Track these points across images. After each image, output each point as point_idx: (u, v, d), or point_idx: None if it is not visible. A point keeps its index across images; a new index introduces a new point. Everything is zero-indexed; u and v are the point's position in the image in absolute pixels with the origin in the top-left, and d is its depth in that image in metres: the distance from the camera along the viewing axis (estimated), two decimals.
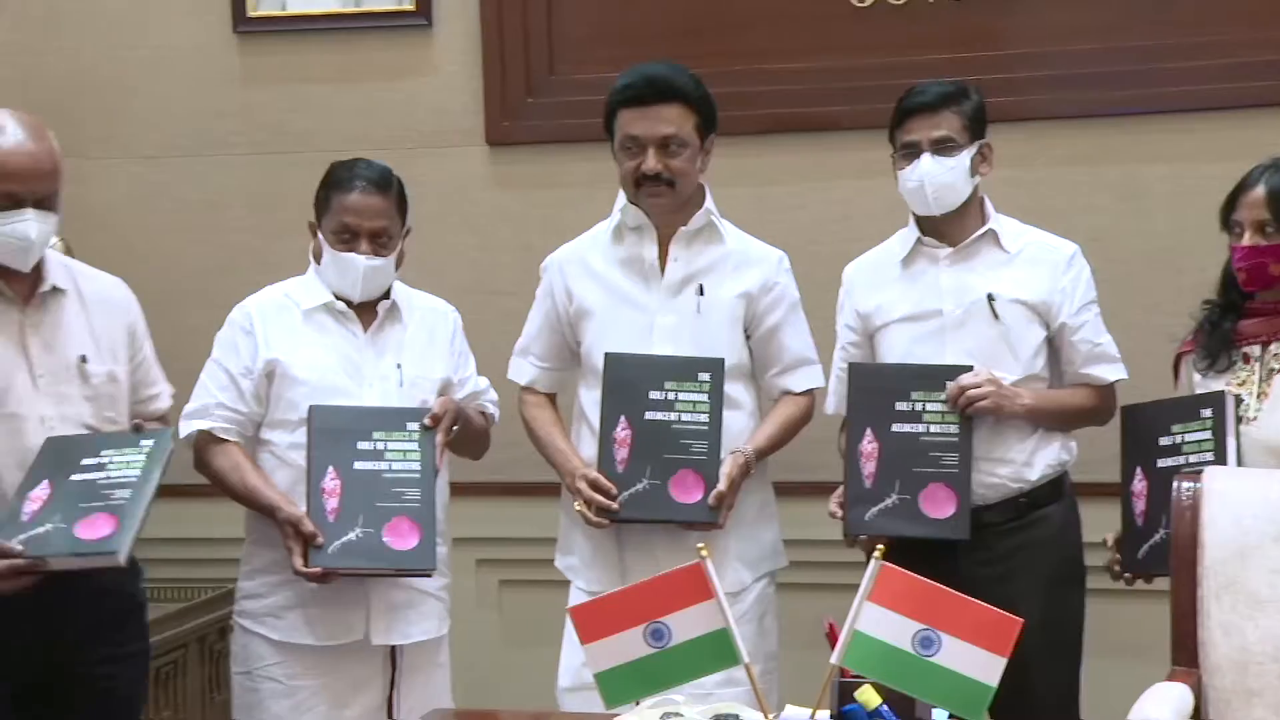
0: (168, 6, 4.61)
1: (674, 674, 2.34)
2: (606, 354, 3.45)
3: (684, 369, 3.41)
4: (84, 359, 3.20)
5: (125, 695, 3.32)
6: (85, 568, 3.04)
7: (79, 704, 3.19)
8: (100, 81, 4.59)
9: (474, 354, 3.62)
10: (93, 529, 3.03)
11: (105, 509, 3.06)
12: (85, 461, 3.10)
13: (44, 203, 3.09)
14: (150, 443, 3.16)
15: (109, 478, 3.09)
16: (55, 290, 3.20)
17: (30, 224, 3.06)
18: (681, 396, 3.41)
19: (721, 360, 3.43)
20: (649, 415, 3.40)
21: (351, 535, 3.27)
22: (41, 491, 3.05)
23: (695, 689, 2.60)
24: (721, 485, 3.37)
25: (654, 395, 3.40)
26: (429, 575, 3.38)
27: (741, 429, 3.50)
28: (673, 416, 3.40)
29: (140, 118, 4.61)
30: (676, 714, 2.65)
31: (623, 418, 3.41)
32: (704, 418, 3.39)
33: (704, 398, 3.40)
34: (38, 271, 3.17)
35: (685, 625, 2.32)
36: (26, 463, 3.09)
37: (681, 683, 2.36)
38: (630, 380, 3.42)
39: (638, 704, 2.63)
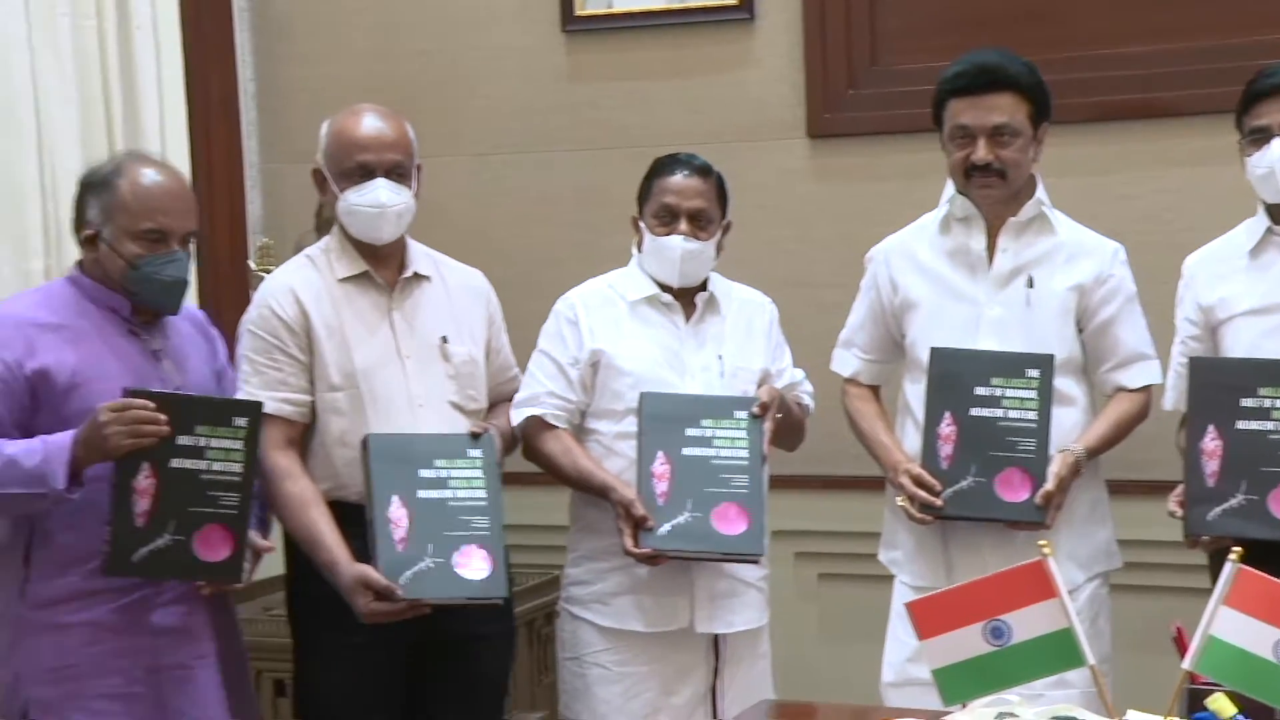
0: (500, 9, 4.70)
1: (1014, 673, 2.33)
2: (932, 348, 3.38)
3: (1012, 365, 3.32)
4: (445, 340, 3.36)
5: (497, 668, 3.49)
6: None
7: (462, 668, 3.36)
8: (438, 83, 4.71)
9: (792, 346, 3.61)
10: (469, 567, 3.19)
11: (475, 540, 3.21)
12: (423, 474, 3.21)
13: (394, 173, 3.27)
14: (479, 454, 3.26)
15: (458, 499, 3.22)
16: (418, 277, 3.40)
17: (380, 190, 3.25)
18: (1009, 393, 3.31)
19: (1051, 357, 3.33)
20: (975, 411, 3.32)
21: (680, 519, 3.28)
22: (398, 513, 3.16)
23: (1026, 690, 2.55)
24: (1049, 485, 3.26)
25: (980, 391, 3.32)
26: (756, 562, 3.39)
27: (1073, 426, 3.39)
28: (999, 413, 3.31)
29: (474, 116, 4.71)
30: (1011, 714, 2.63)
31: (948, 413, 3.34)
32: (1032, 415, 3.30)
33: (1032, 394, 3.30)
34: (402, 259, 3.37)
35: (1026, 624, 2.31)
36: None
37: (1021, 682, 2.36)
38: (956, 375, 3.34)
39: (964, 706, 2.60)
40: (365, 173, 3.27)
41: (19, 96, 4.02)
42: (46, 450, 2.99)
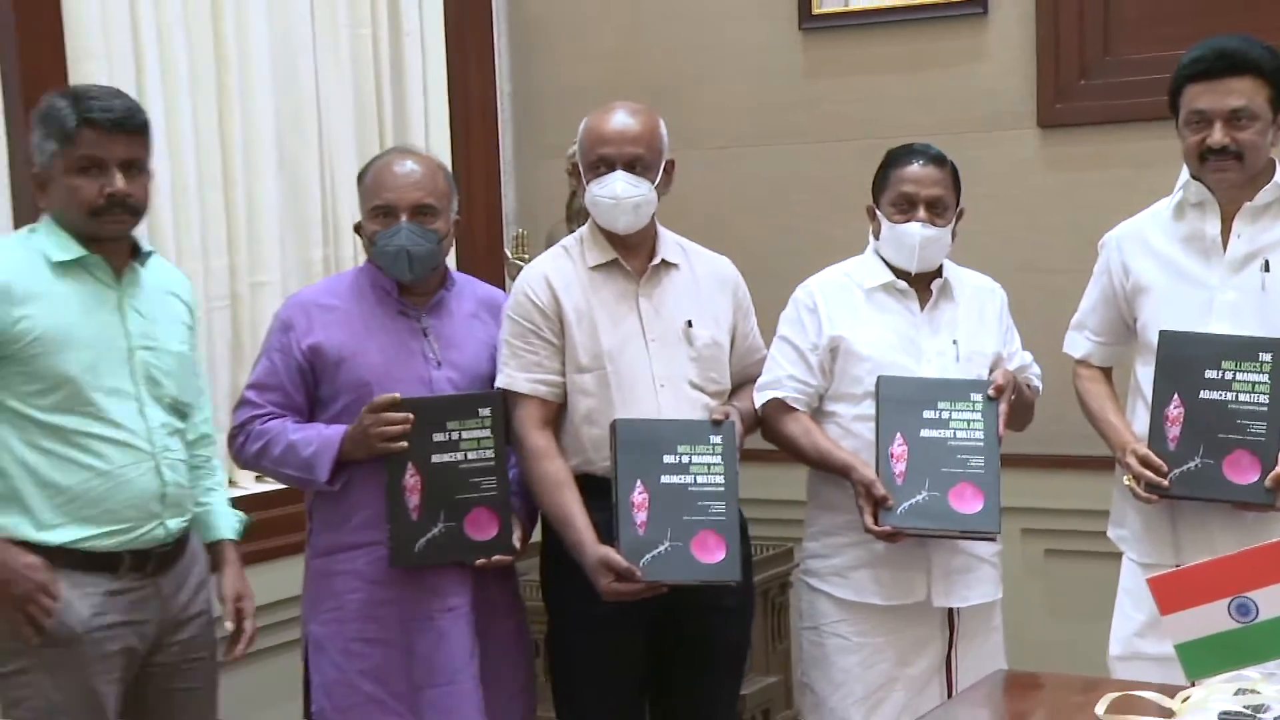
0: (740, 8, 4.73)
1: (1259, 650, 2.26)
2: (1161, 331, 3.31)
3: (1243, 349, 3.24)
4: (689, 324, 3.39)
5: (736, 638, 3.51)
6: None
7: (702, 638, 3.39)
8: (681, 80, 4.75)
9: (1022, 330, 3.58)
10: (707, 551, 3.21)
11: (714, 526, 3.23)
12: (667, 460, 3.24)
13: (636, 166, 3.31)
14: (719, 440, 3.27)
15: (697, 483, 3.25)
16: (666, 264, 3.42)
17: (617, 183, 3.29)
18: (1239, 377, 3.24)
19: None
20: (1204, 394, 3.25)
21: (919, 498, 3.27)
22: (640, 496, 3.21)
23: (1263, 669, 2.50)
24: (1279, 468, 3.17)
25: (1210, 374, 3.25)
26: (993, 539, 3.37)
27: None
28: (1229, 396, 3.24)
29: (713, 111, 4.74)
30: (1252, 690, 2.56)
31: (1176, 395, 3.28)
32: (1264, 399, 3.21)
33: (1264, 379, 3.22)
34: (652, 248, 3.41)
35: (1274, 601, 2.22)
36: (642, 413, 3.29)
37: (1268, 660, 2.28)
38: (1185, 358, 3.27)
39: (1193, 685, 2.56)
40: (606, 165, 3.30)
41: (304, 99, 4.19)
42: (319, 444, 3.22)
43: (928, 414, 3.31)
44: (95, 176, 2.85)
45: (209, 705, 3.14)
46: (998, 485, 3.29)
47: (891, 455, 3.29)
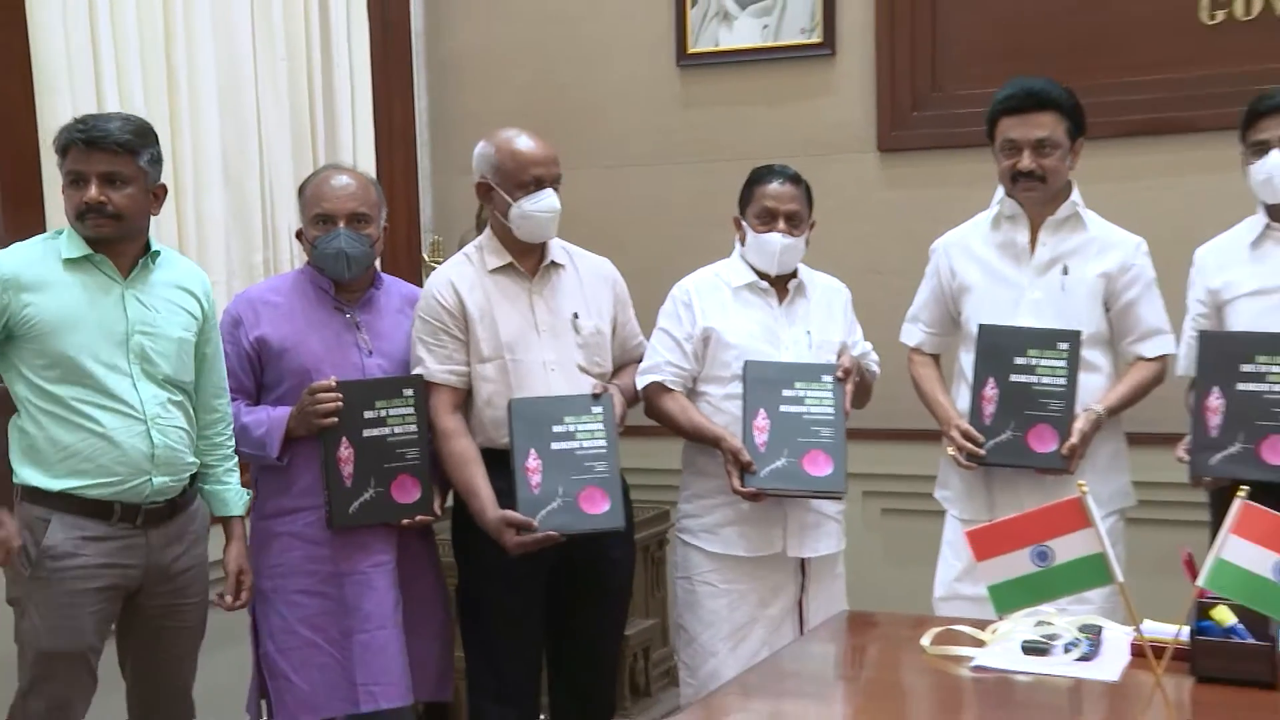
0: (626, 48, 4.71)
1: (1054, 589, 2.30)
2: (980, 325, 3.37)
3: (1046, 339, 3.31)
4: (575, 316, 3.37)
5: (620, 586, 3.51)
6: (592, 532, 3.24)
7: (592, 585, 3.40)
8: (577, 108, 4.74)
9: (864, 324, 3.60)
10: (593, 504, 3.22)
11: (596, 483, 3.24)
12: (556, 430, 3.24)
13: (557, 184, 3.33)
14: (599, 410, 3.27)
15: (583, 448, 3.24)
16: (554, 265, 3.40)
17: (551, 198, 3.30)
18: (1042, 363, 3.30)
19: (1078, 332, 3.30)
20: (1014, 378, 3.31)
21: (778, 463, 3.29)
22: (533, 462, 3.20)
23: (1057, 604, 2.56)
24: (1073, 439, 3.25)
25: (1018, 361, 3.31)
26: (839, 498, 3.39)
27: (1097, 388, 3.35)
28: (1034, 379, 3.30)
29: (605, 135, 4.73)
30: (1047, 622, 2.63)
31: (991, 379, 3.33)
32: (1061, 381, 3.28)
33: (1062, 364, 3.28)
34: (542, 251, 3.38)
35: (1066, 548, 2.27)
36: (534, 393, 3.28)
37: (1060, 596, 2.33)
38: (999, 347, 3.33)
39: (1001, 619, 2.60)
40: (538, 184, 3.28)
41: (246, 122, 4.13)
42: (269, 425, 3.22)
43: (786, 393, 3.32)
44: (80, 187, 2.88)
45: (192, 641, 3.15)
46: (844, 453, 3.32)
47: (755, 428, 3.30)
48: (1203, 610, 2.40)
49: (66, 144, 2.89)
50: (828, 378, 3.35)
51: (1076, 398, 3.29)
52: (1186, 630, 2.39)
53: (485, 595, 3.36)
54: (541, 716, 3.54)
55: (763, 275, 3.43)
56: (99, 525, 2.91)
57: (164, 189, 3.05)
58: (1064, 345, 3.29)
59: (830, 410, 3.32)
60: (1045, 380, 3.30)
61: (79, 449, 2.88)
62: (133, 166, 2.91)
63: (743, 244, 3.47)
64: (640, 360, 3.50)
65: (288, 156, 4.26)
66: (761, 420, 3.30)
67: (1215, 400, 3.20)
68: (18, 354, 2.89)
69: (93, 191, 2.87)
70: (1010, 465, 3.33)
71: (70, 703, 2.93)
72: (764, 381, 3.32)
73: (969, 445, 3.32)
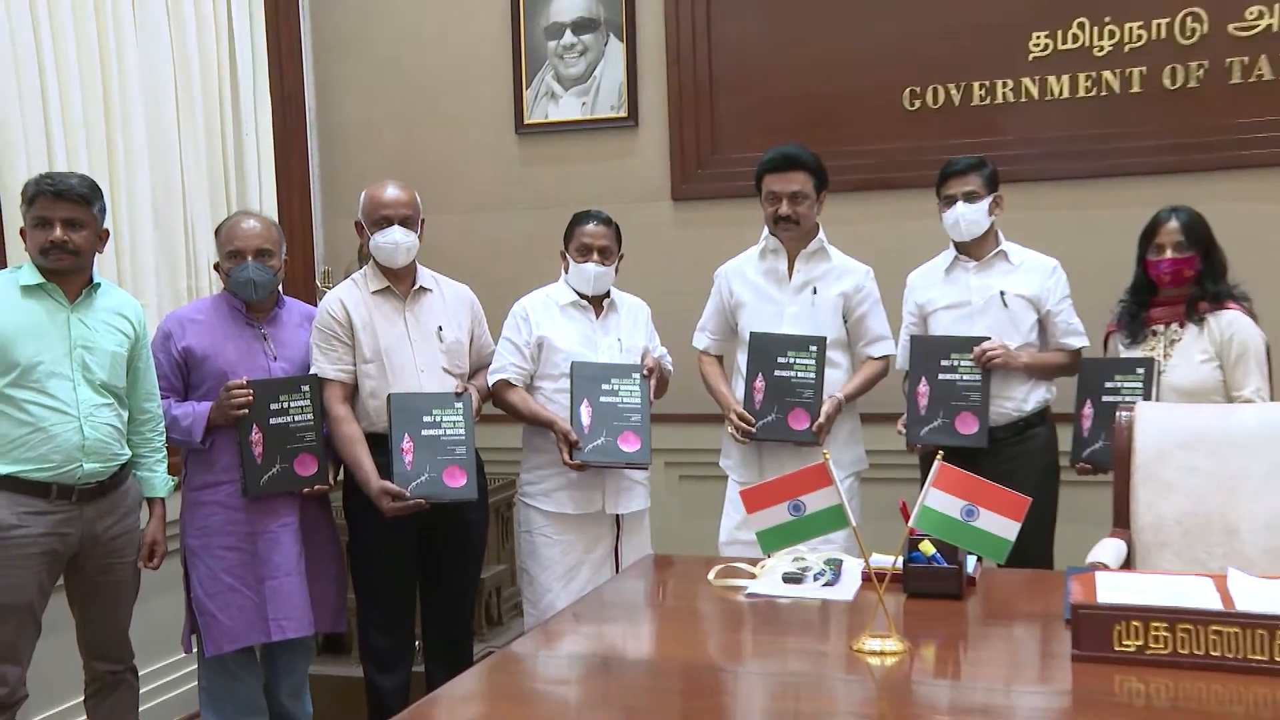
0: (475, 119, 4.65)
1: (807, 532, 2.30)
2: (751, 332, 3.42)
3: (800, 343, 3.37)
4: (440, 329, 3.34)
5: (476, 540, 3.49)
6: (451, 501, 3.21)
7: (454, 540, 3.37)
8: (438, 166, 4.66)
9: (662, 331, 3.62)
10: (453, 479, 3.19)
11: (456, 463, 3.20)
12: (425, 419, 3.21)
13: (406, 223, 3.28)
14: (460, 405, 3.25)
15: (446, 435, 3.21)
16: (423, 289, 3.37)
17: (396, 233, 3.25)
18: (797, 361, 3.36)
19: (824, 337, 3.37)
20: (777, 373, 3.36)
21: (598, 441, 3.29)
22: (407, 444, 3.17)
23: (809, 545, 2.57)
24: (821, 419, 3.32)
25: (780, 359, 3.37)
26: (645, 469, 3.40)
27: (838, 381, 3.43)
28: (792, 374, 3.35)
29: (461, 187, 4.66)
30: (801, 558, 2.68)
31: (760, 374, 3.38)
32: (811, 375, 3.34)
33: (812, 362, 3.35)
34: (413, 278, 3.34)
35: (814, 501, 2.27)
36: (408, 389, 3.23)
37: (812, 538, 2.33)
38: (767, 349, 3.38)
39: (769, 557, 2.64)
40: (386, 222, 3.26)
41: (172, 178, 4.00)
42: (194, 415, 3.15)
43: (604, 386, 3.33)
44: (46, 229, 2.82)
45: (126, 593, 3.07)
46: (649, 432, 3.33)
47: (581, 414, 3.30)
48: (913, 544, 2.46)
49: (36, 194, 2.82)
50: (636, 375, 3.36)
51: (823, 388, 3.35)
52: (901, 560, 2.46)
53: (370, 547, 3.32)
54: (416, 643, 3.51)
55: (582, 295, 3.43)
56: (39, 502, 2.83)
57: (108, 232, 2.99)
58: (813, 348, 3.35)
59: (638, 400, 3.33)
60: (800, 375, 3.35)
61: (24, 439, 2.79)
62: (88, 213, 2.86)
63: (566, 272, 3.46)
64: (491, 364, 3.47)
65: (206, 203, 4.12)
66: (585, 408, 3.30)
67: (923, 387, 3.32)
68: None
69: (58, 233, 2.81)
70: (775, 440, 3.38)
71: (16, 646, 2.84)
72: (586, 378, 3.32)
73: (744, 425, 3.37)
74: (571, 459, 3.28)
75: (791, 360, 3.35)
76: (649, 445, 3.34)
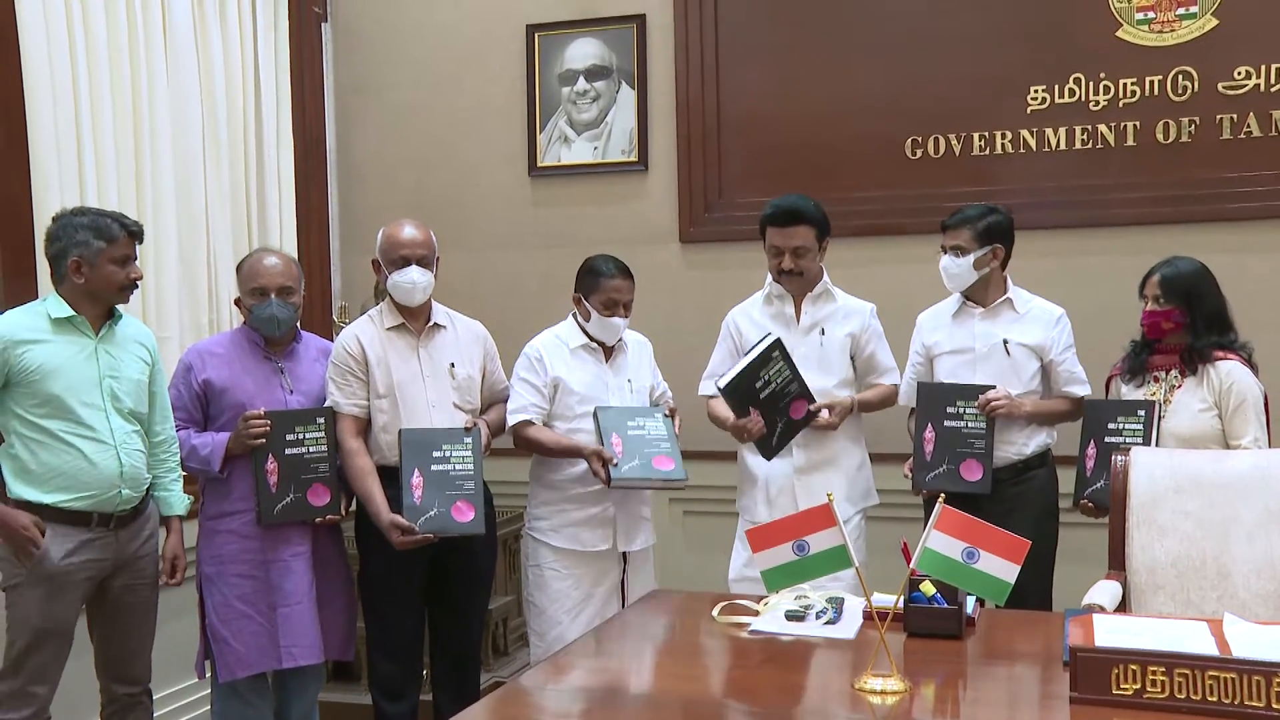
0: (490, 161, 4.66)
1: (811, 572, 2.29)
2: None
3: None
4: (452, 365, 3.33)
5: (484, 570, 3.49)
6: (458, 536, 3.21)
7: (462, 570, 3.37)
8: (453, 205, 4.68)
9: (666, 367, 3.62)
10: (461, 514, 3.18)
11: (465, 498, 3.19)
12: (435, 454, 3.20)
13: (422, 263, 3.27)
14: (469, 441, 3.24)
15: (455, 470, 3.20)
16: (437, 326, 3.36)
17: (413, 273, 3.24)
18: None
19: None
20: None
21: (634, 463, 3.27)
22: (416, 479, 3.16)
23: (812, 585, 2.59)
24: (833, 403, 3.34)
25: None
26: (682, 488, 3.40)
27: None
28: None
29: (475, 226, 4.67)
30: (804, 595, 2.67)
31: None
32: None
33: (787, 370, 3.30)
34: (427, 315, 3.34)
35: (818, 542, 2.26)
36: (419, 424, 3.23)
37: (815, 578, 2.32)
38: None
39: (777, 593, 2.60)
40: (404, 262, 3.26)
41: (197, 216, 4.03)
42: (213, 445, 3.16)
43: (630, 423, 3.32)
44: (124, 265, 2.89)
45: (147, 613, 3.08)
46: (679, 455, 3.32)
47: (613, 444, 3.27)
48: (914, 585, 2.46)
49: (120, 233, 2.88)
50: (659, 414, 3.38)
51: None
52: (903, 599, 2.45)
53: (380, 577, 3.31)
54: (424, 671, 3.50)
55: (592, 338, 3.43)
56: (81, 531, 2.85)
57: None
58: (776, 353, 3.29)
59: (664, 432, 3.34)
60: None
61: (65, 469, 2.82)
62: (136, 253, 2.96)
63: (585, 319, 3.43)
64: (504, 399, 3.46)
65: (228, 239, 4.15)
66: (616, 440, 3.29)
67: (929, 434, 3.32)
68: (12, 396, 2.81)
69: (139, 271, 2.92)
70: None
71: (51, 668, 2.85)
72: (615, 418, 3.33)
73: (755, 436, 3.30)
74: (609, 481, 3.23)
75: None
76: (681, 463, 3.31)
